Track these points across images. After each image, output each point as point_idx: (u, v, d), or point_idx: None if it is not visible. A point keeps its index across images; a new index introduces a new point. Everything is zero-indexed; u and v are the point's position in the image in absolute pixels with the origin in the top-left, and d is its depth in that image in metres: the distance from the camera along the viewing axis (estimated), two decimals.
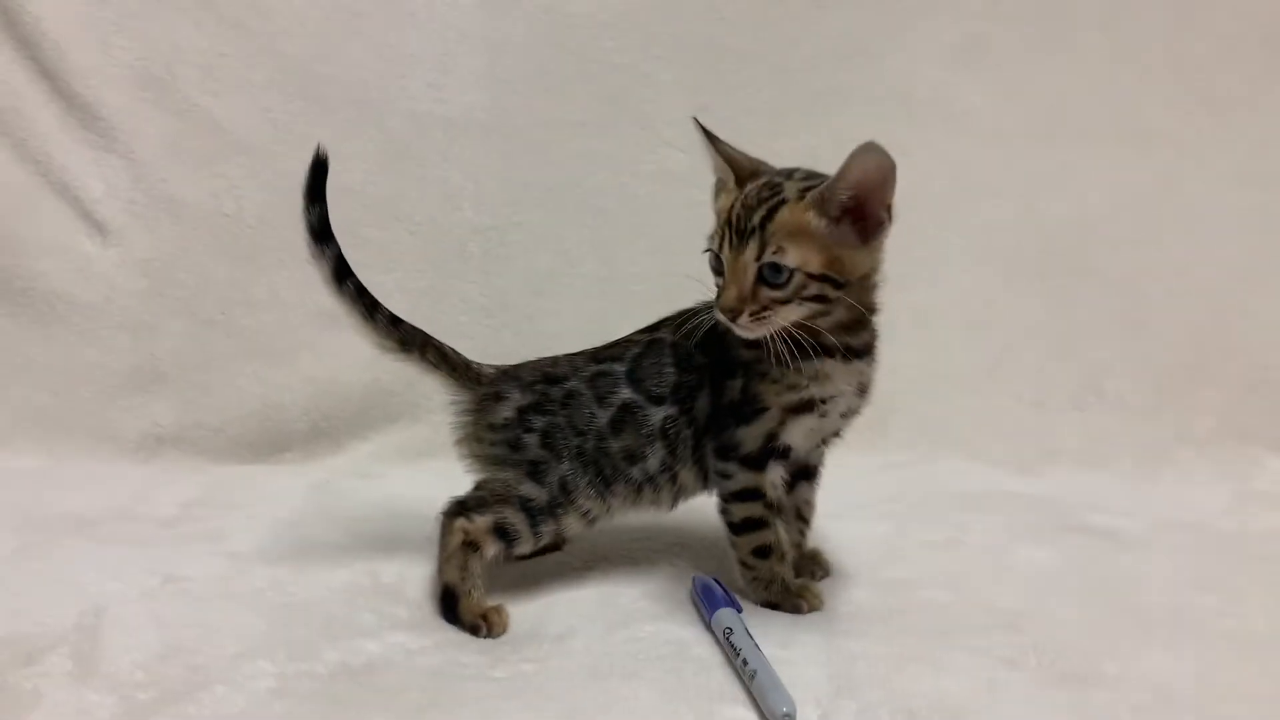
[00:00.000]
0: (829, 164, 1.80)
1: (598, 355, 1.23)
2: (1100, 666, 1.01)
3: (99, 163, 1.71)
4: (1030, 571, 1.27)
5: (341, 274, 1.23)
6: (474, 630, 1.09)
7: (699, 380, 1.17)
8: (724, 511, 1.18)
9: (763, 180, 1.09)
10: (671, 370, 1.18)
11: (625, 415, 1.17)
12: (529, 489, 1.16)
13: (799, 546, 1.27)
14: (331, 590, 1.16)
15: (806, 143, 1.86)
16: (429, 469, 1.54)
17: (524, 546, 1.16)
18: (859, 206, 1.05)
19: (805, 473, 1.26)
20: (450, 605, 1.11)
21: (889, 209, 1.08)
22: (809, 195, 1.05)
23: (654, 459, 1.17)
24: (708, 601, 1.11)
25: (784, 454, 1.15)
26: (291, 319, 1.74)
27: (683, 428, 1.17)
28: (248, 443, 1.70)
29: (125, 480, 1.54)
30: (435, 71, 1.78)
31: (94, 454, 1.64)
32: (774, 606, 1.16)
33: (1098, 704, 0.95)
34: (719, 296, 1.07)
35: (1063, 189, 1.87)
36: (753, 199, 1.07)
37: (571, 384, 1.20)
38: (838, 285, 1.07)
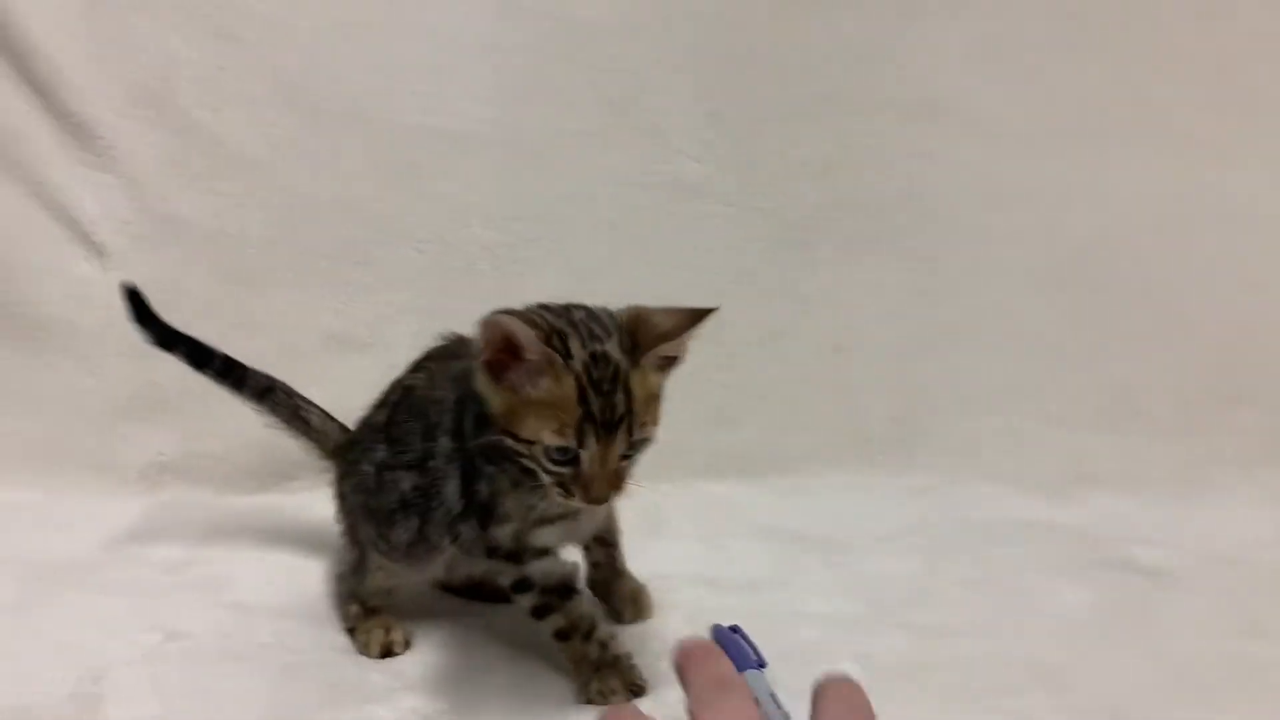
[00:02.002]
0: (845, 171, 1.78)
1: (378, 399, 1.20)
2: None
3: (96, 182, 1.65)
4: (1068, 616, 1.21)
5: (201, 362, 1.27)
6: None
7: (446, 462, 1.06)
8: (517, 604, 1.08)
9: (585, 355, 0.93)
10: (417, 438, 1.09)
11: (382, 474, 1.12)
12: (350, 551, 1.19)
13: (611, 579, 1.21)
14: (337, 648, 1.12)
15: (821, 150, 1.81)
16: None
17: (374, 604, 1.16)
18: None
19: None
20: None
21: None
22: (645, 360, 0.96)
23: (405, 529, 1.09)
24: (736, 657, 1.06)
25: (541, 552, 1.06)
26: (297, 342, 1.68)
27: (433, 504, 1.07)
28: (253, 471, 1.65)
29: (126, 515, 1.49)
30: (439, 83, 1.72)
31: (94, 486, 1.58)
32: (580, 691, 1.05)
33: None
34: (587, 489, 0.94)
35: (1090, 196, 1.81)
36: (603, 382, 0.93)
37: (364, 441, 1.17)
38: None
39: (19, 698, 0.98)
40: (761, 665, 1.01)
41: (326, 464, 1.27)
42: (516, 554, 1.05)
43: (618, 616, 1.21)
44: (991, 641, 1.14)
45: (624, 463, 0.97)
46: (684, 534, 1.49)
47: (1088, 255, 1.79)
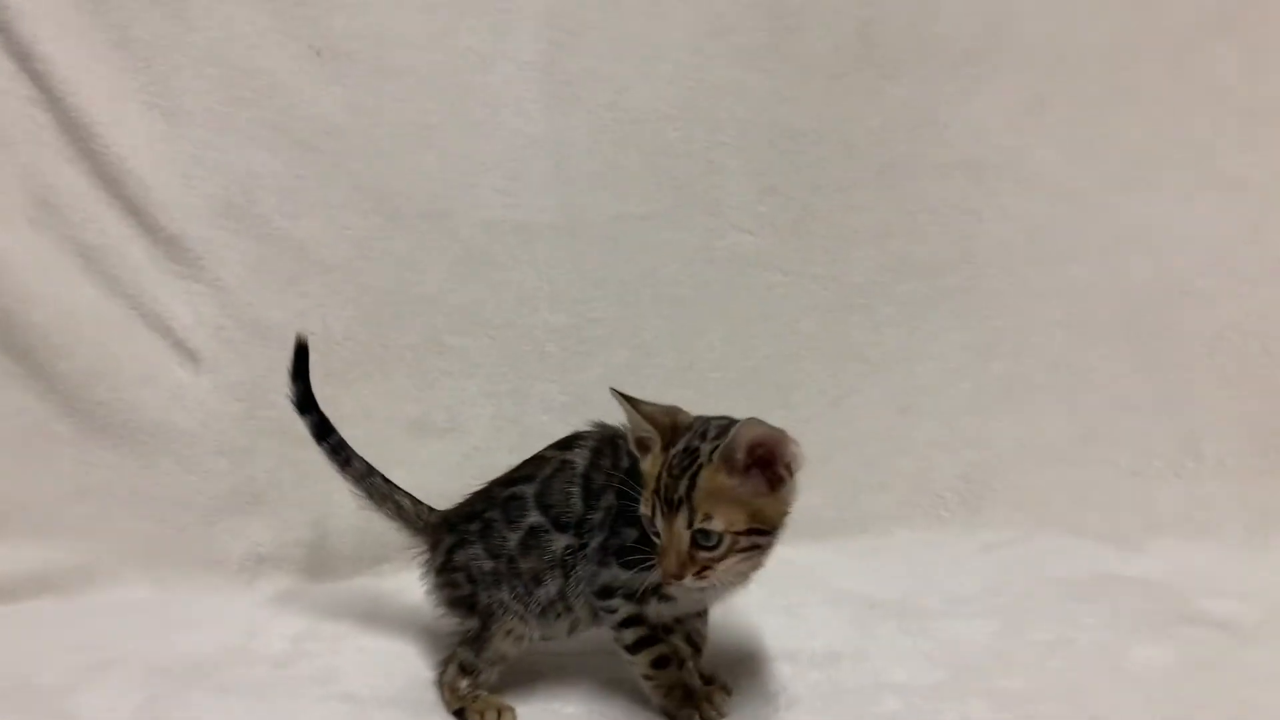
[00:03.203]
0: (900, 234, 1.82)
1: (511, 478, 1.31)
2: None
3: (187, 291, 1.75)
4: (1149, 676, 1.24)
5: (322, 434, 1.44)
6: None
7: (602, 519, 1.22)
8: (617, 639, 1.23)
9: (682, 445, 1.11)
10: (579, 500, 1.24)
11: (531, 538, 1.24)
12: (467, 622, 1.27)
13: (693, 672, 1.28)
14: None
15: (878, 216, 1.86)
16: None
17: (485, 677, 1.24)
18: (763, 460, 1.09)
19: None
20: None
21: (788, 467, 1.11)
22: (715, 456, 1.08)
23: (553, 585, 1.23)
24: None
25: (664, 597, 1.20)
26: (382, 431, 1.76)
27: (579, 559, 1.23)
28: (345, 556, 1.74)
29: (232, 611, 1.57)
30: (505, 177, 1.80)
31: (198, 579, 1.68)
32: (670, 716, 1.20)
33: None
34: (661, 561, 1.09)
35: (1145, 244, 1.84)
36: (676, 467, 1.10)
37: (488, 513, 1.28)
38: (766, 533, 1.12)
39: None
40: None
41: (417, 542, 1.39)
42: (634, 593, 1.19)
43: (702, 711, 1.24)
44: (1073, 706, 1.17)
45: (698, 551, 1.08)
46: (759, 605, 1.52)
47: (1149, 304, 1.81)
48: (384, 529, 1.72)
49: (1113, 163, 1.85)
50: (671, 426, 1.14)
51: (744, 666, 1.31)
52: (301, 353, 1.44)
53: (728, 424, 1.11)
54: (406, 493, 1.44)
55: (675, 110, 1.82)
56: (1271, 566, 1.53)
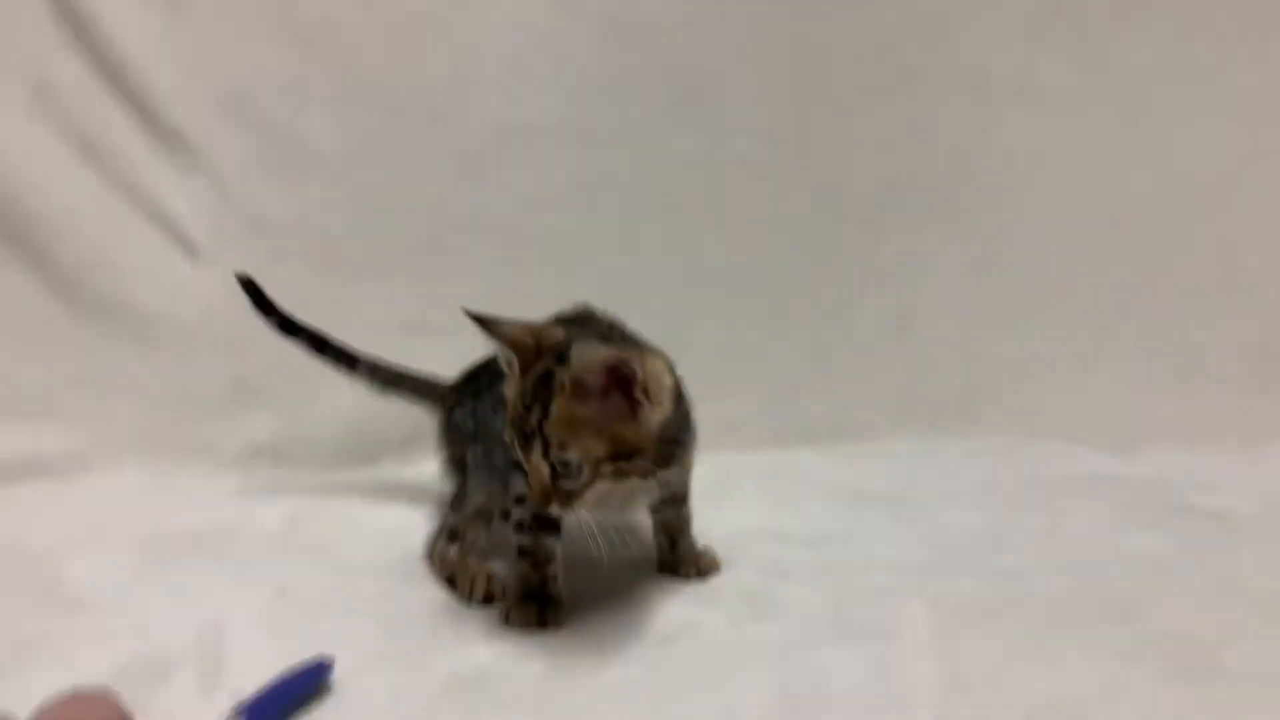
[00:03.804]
0: (903, 147, 1.81)
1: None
2: (1222, 659, 0.99)
3: (187, 185, 1.75)
4: (1141, 559, 1.24)
5: (320, 346, 1.49)
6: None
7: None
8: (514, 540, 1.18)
9: (540, 370, 1.02)
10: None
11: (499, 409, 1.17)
12: (456, 482, 1.31)
13: (677, 537, 1.26)
14: (438, 601, 1.19)
15: (882, 129, 1.85)
16: None
17: (472, 540, 1.25)
18: (622, 382, 1.00)
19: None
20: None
21: (646, 391, 1.01)
22: (568, 382, 1.00)
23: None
24: None
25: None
26: (380, 330, 1.75)
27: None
28: (345, 452, 1.74)
29: (228, 495, 1.58)
30: (507, 79, 1.79)
31: (195, 470, 1.68)
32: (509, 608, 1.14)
33: (1221, 699, 0.92)
34: (529, 490, 1.05)
35: (1150, 162, 1.83)
36: (530, 395, 1.02)
37: (482, 378, 1.30)
38: (630, 457, 1.03)
39: (151, 646, 1.05)
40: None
41: (436, 410, 1.44)
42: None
43: (679, 570, 1.25)
44: (1063, 581, 1.17)
45: (561, 480, 1.02)
46: (752, 496, 1.55)
47: (1149, 218, 1.81)
48: (382, 424, 1.75)
49: (1119, 79, 1.84)
50: (535, 349, 1.04)
51: (733, 542, 1.30)
52: (251, 288, 1.46)
53: (608, 327, 1.09)
54: (415, 372, 1.49)
55: (680, 14, 1.81)
56: (1264, 471, 1.53)
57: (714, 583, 1.23)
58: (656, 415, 1.03)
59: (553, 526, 1.14)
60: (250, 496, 1.58)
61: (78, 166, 1.72)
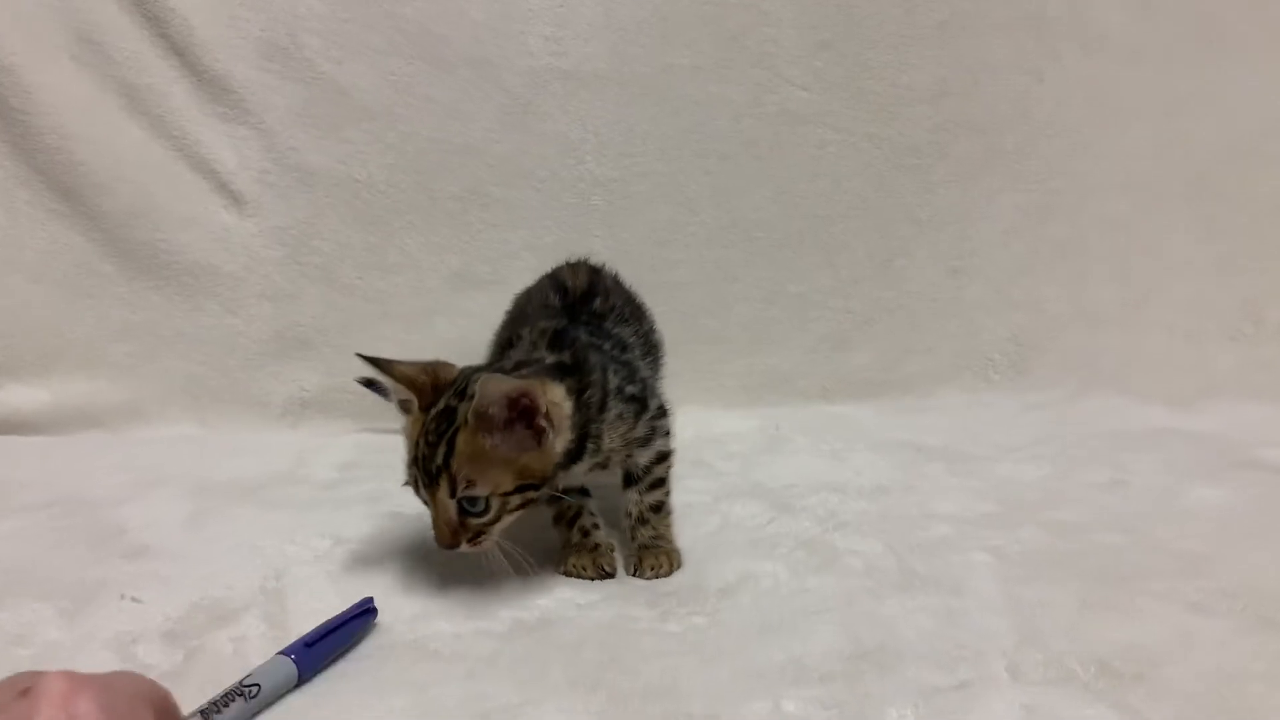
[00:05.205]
0: (956, 93, 1.77)
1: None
2: None
3: (231, 135, 1.74)
4: (1207, 512, 1.22)
5: None
6: None
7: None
8: None
9: (440, 406, 1.02)
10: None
11: None
12: None
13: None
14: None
15: (935, 74, 1.81)
16: None
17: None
18: (525, 412, 1.00)
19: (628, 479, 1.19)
20: None
21: (548, 418, 1.01)
22: (470, 417, 0.99)
23: None
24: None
25: None
26: (425, 281, 1.76)
27: None
28: (390, 407, 1.73)
29: (279, 445, 1.59)
30: (552, 25, 1.76)
31: (244, 420, 1.70)
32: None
33: None
34: (434, 531, 1.03)
35: (1209, 109, 1.79)
36: (433, 433, 1.01)
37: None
38: (538, 486, 1.03)
39: (213, 592, 1.06)
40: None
41: None
42: None
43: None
44: (1129, 534, 1.16)
45: (468, 519, 1.01)
46: (804, 449, 1.53)
47: (1212, 167, 1.76)
48: None
49: (1179, 22, 1.80)
50: (432, 386, 1.04)
51: (789, 494, 1.29)
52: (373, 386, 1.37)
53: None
54: None
55: None
56: None
57: (771, 532, 1.22)
58: (560, 443, 1.04)
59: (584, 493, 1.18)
60: (300, 447, 1.58)
61: (122, 115, 1.70)
